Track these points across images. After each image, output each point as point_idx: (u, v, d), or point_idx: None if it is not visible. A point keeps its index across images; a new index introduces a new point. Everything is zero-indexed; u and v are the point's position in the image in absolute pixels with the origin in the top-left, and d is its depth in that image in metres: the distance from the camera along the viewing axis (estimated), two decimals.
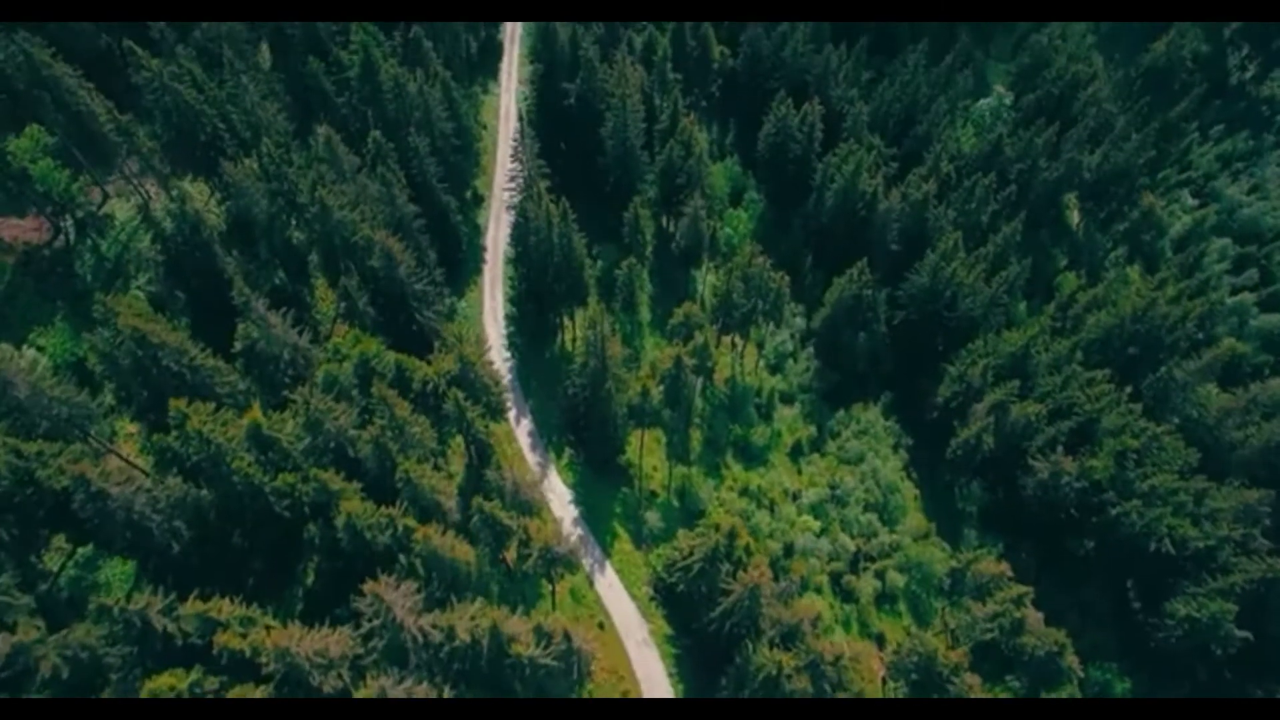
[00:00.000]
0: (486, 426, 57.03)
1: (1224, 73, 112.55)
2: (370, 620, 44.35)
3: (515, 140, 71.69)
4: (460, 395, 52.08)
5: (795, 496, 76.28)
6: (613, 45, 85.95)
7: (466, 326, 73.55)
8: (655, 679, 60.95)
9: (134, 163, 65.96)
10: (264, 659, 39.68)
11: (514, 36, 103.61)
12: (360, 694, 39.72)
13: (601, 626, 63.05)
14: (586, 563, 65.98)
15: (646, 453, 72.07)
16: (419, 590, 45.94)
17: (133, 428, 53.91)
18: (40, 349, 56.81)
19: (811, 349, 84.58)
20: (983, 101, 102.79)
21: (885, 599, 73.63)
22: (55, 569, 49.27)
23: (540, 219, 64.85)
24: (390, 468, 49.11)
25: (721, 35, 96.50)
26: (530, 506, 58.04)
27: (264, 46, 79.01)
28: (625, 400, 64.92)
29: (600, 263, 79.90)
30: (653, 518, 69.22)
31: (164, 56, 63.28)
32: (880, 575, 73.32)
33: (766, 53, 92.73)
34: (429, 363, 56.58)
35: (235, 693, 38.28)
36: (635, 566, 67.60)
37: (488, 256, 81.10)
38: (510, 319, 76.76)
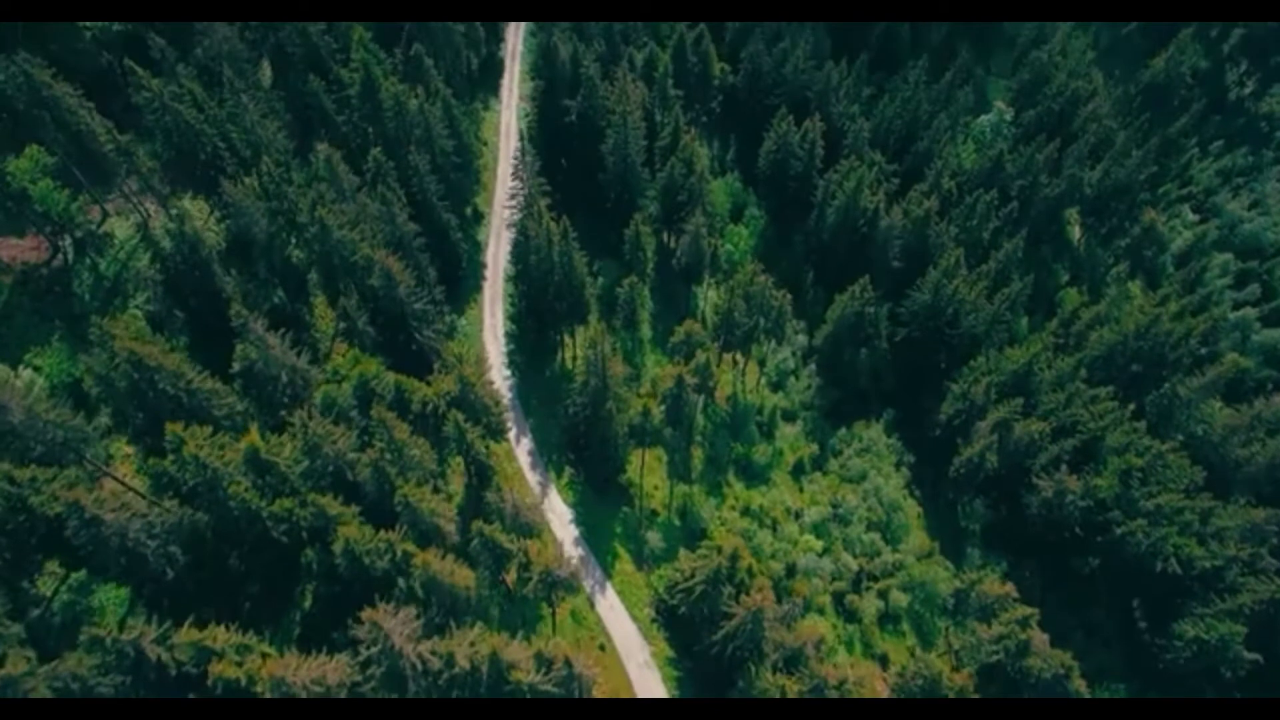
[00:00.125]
0: (486, 447, 56.57)
1: (1223, 88, 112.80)
2: (368, 647, 43.69)
3: (516, 158, 71.59)
4: (460, 417, 51.61)
5: (797, 515, 75.62)
6: (614, 62, 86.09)
7: (466, 345, 73.17)
8: None
9: (134, 181, 65.78)
10: (260, 688, 39.04)
11: (515, 53, 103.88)
12: None
13: (602, 649, 62.33)
14: (587, 583, 65.33)
15: (647, 471, 71.56)
16: (418, 616, 45.28)
17: (129, 449, 53.42)
18: (37, 369, 56.35)
19: (813, 366, 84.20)
20: (983, 117, 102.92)
21: (888, 619, 72.83)
22: (48, 594, 48.60)
23: (541, 237, 64.59)
24: (389, 491, 48.56)
25: (722, 52, 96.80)
26: (531, 528, 57.43)
27: (265, 64, 79.06)
28: (626, 420, 64.45)
29: (601, 280, 79.62)
30: (654, 538, 68.55)
31: (164, 76, 63.23)
32: (883, 595, 72.56)
33: (767, 69, 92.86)
34: (429, 383, 56.11)
35: None
36: (636, 587, 66.92)
37: (488, 274, 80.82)
38: (510, 336, 76.38)
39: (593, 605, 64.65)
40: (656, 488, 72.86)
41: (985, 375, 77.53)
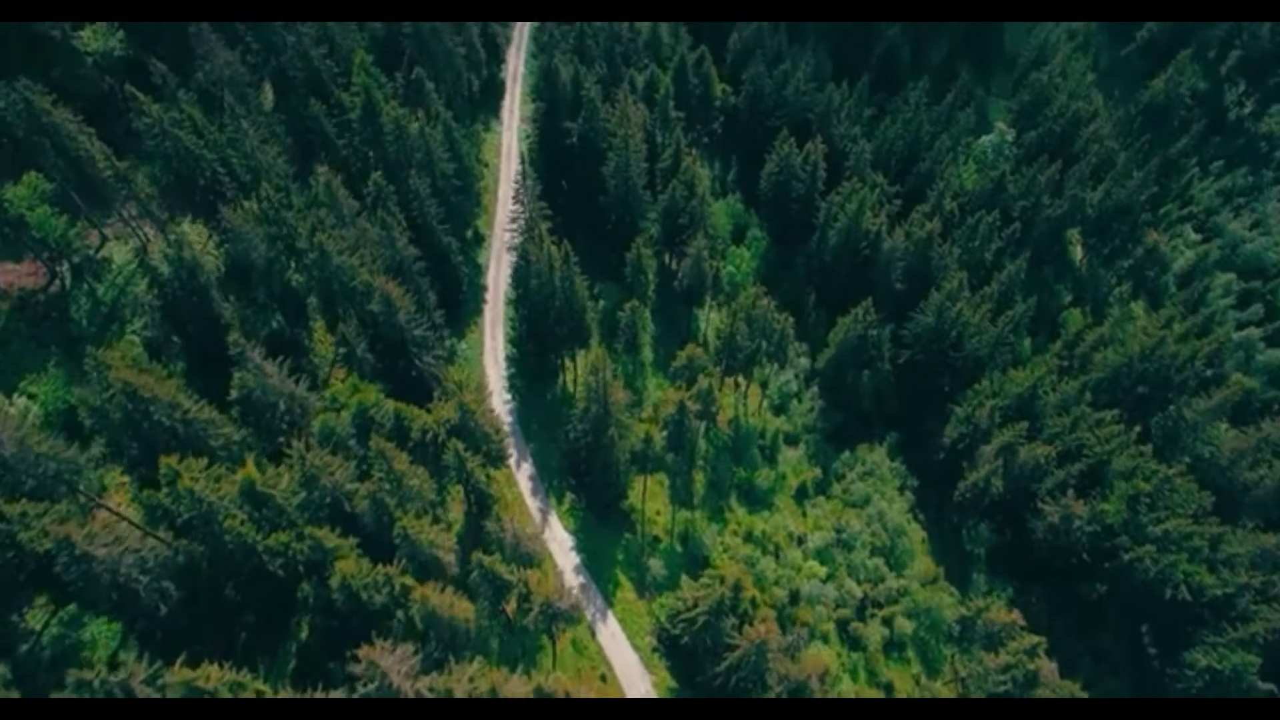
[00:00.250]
0: (487, 476, 55.80)
1: (1222, 109, 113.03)
2: (365, 684, 42.75)
3: (517, 182, 71.41)
4: (460, 446, 50.92)
5: (800, 541, 74.68)
6: (615, 84, 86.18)
7: (467, 369, 72.68)
8: None
9: (132, 207, 65.52)
10: None
11: (516, 74, 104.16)
12: None
13: (604, 679, 61.25)
14: (588, 612, 64.35)
15: (649, 497, 70.71)
16: (416, 652, 44.36)
17: (124, 477, 52.64)
18: (32, 397, 55.70)
19: (815, 389, 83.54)
20: (985, 138, 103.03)
21: (893, 646, 71.65)
22: (38, 628, 47.63)
23: (541, 261, 64.20)
24: (388, 523, 47.77)
25: (723, 73, 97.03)
26: (531, 558, 56.55)
27: (266, 87, 79.08)
28: (628, 446, 63.69)
29: (602, 303, 79.19)
30: (656, 565, 67.60)
31: (165, 101, 63.13)
32: (888, 622, 71.44)
33: (768, 91, 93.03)
34: (428, 410, 55.46)
35: None
36: (638, 616, 65.91)
37: (488, 296, 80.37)
38: (511, 360, 75.80)
39: (594, 634, 63.64)
40: (658, 513, 72.02)
41: (989, 398, 76.85)
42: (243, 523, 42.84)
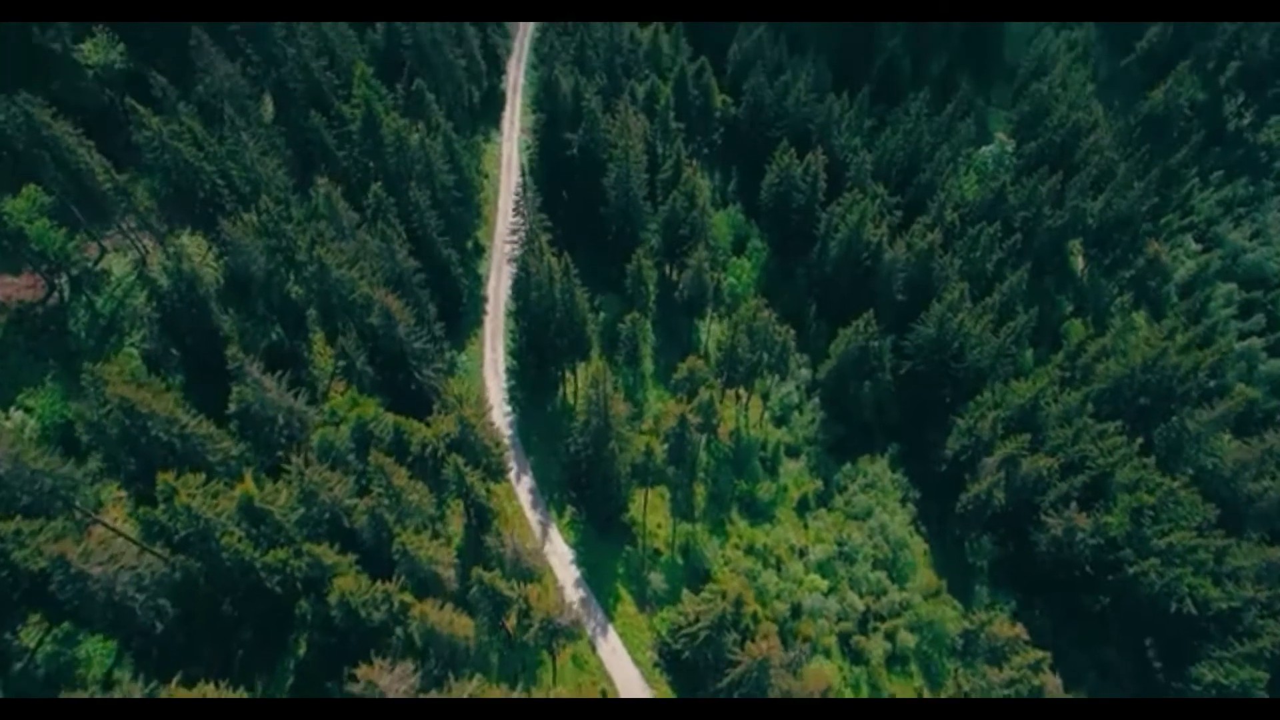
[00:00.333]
0: (487, 490, 55.40)
1: (1221, 120, 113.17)
2: None
3: (517, 194, 71.32)
4: (460, 461, 50.57)
5: (802, 554, 74.17)
6: (615, 95, 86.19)
7: (467, 382, 72.40)
8: None
9: (132, 219, 65.33)
10: None
11: (516, 85, 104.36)
12: None
13: (604, 694, 60.67)
14: (589, 626, 63.84)
15: (650, 509, 70.31)
16: (415, 670, 43.90)
17: (121, 492, 52.21)
18: (29, 410, 55.34)
19: (817, 400, 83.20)
20: (985, 149, 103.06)
21: (896, 660, 71.04)
22: (31, 645, 47.11)
23: (542, 274, 63.99)
24: (387, 539, 47.36)
25: (723, 84, 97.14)
26: (531, 572, 56.11)
27: (267, 99, 79.10)
28: (629, 459, 63.30)
29: (603, 314, 78.95)
30: (656, 579, 67.07)
31: (165, 113, 63.05)
32: (890, 636, 70.84)
33: (769, 102, 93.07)
34: (428, 424, 55.11)
35: None
36: (639, 630, 65.37)
37: (489, 307, 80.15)
38: (511, 372, 75.50)
39: (594, 648, 63.10)
40: (659, 526, 71.57)
41: (991, 410, 76.51)
42: (240, 540, 42.42)
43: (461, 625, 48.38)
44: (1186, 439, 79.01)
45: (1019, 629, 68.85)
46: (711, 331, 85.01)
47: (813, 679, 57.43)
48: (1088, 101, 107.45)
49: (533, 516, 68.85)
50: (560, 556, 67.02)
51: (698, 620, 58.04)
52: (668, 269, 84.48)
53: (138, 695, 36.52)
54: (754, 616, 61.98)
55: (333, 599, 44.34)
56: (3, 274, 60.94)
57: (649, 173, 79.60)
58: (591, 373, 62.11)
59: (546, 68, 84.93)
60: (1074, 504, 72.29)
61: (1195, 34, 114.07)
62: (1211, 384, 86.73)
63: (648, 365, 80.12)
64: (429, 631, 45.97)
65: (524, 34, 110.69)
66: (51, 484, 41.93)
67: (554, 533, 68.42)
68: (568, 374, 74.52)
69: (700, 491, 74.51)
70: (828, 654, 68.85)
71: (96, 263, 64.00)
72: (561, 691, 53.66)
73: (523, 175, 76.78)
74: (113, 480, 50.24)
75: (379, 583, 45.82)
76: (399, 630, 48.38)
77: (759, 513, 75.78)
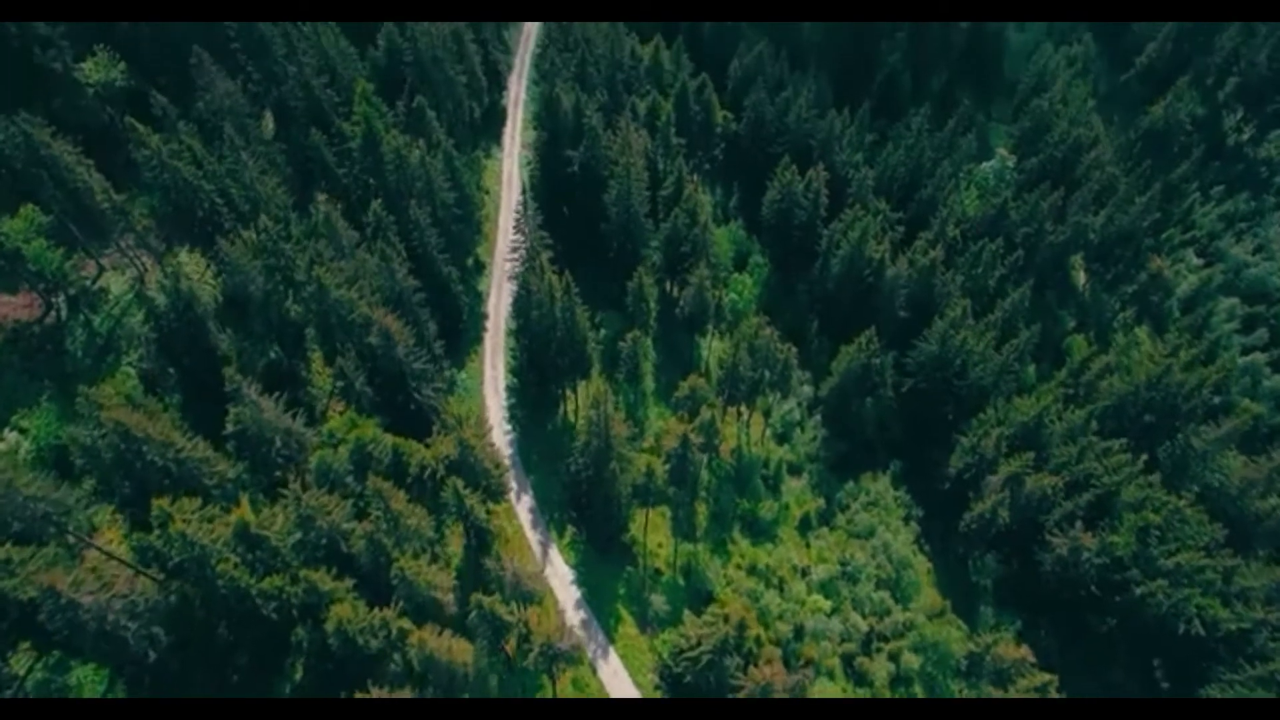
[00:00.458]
0: (486, 512, 54.73)
1: (1221, 135, 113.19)
2: None
3: (518, 212, 71.05)
4: (460, 484, 49.95)
5: (804, 573, 73.39)
6: (616, 111, 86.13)
7: (467, 400, 71.91)
8: None
9: (130, 237, 65.02)
10: None
11: (517, 100, 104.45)
12: None
13: None
14: (590, 648, 63.00)
15: (651, 529, 69.61)
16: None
17: (116, 515, 51.49)
18: (23, 431, 54.75)
19: (819, 417, 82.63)
20: (986, 164, 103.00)
21: (900, 682, 69.98)
22: (21, 672, 46.28)
23: (542, 292, 63.59)
24: (385, 563, 46.67)
25: (724, 100, 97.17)
26: (531, 595, 55.37)
27: (267, 115, 78.98)
28: (630, 480, 62.68)
29: (603, 332, 78.52)
30: (658, 600, 66.33)
31: (165, 131, 62.89)
32: (894, 657, 69.91)
33: (770, 118, 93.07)
34: (427, 445, 54.54)
35: None
36: (640, 652, 64.51)
37: (489, 325, 79.75)
38: (511, 390, 74.97)
39: (595, 671, 62.22)
40: (660, 545, 70.84)
41: (995, 428, 75.91)
42: (236, 566, 41.77)
43: (460, 651, 47.66)
44: (1192, 456, 78.28)
45: (1025, 650, 67.97)
46: (713, 348, 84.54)
47: None
48: (1088, 117, 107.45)
49: (533, 537, 68.15)
50: (561, 577, 66.29)
51: (699, 643, 57.20)
52: (669, 285, 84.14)
53: None
54: (757, 640, 61.26)
55: (330, 626, 43.65)
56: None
57: (650, 189, 79.37)
58: (593, 393, 61.59)
59: (548, 84, 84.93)
60: (1079, 523, 71.47)
61: (1194, 50, 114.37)
62: (1216, 400, 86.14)
63: (649, 383, 79.60)
64: (427, 658, 45.27)
65: (525, 49, 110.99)
66: (44, 509, 41.28)
67: (554, 553, 67.71)
68: (568, 392, 73.98)
69: (702, 510, 73.81)
70: (831, 676, 67.93)
71: (94, 281, 63.61)
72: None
73: (523, 192, 76.58)
74: (108, 503, 49.55)
75: (377, 609, 45.18)
76: (397, 657, 47.66)
77: (761, 532, 75.07)
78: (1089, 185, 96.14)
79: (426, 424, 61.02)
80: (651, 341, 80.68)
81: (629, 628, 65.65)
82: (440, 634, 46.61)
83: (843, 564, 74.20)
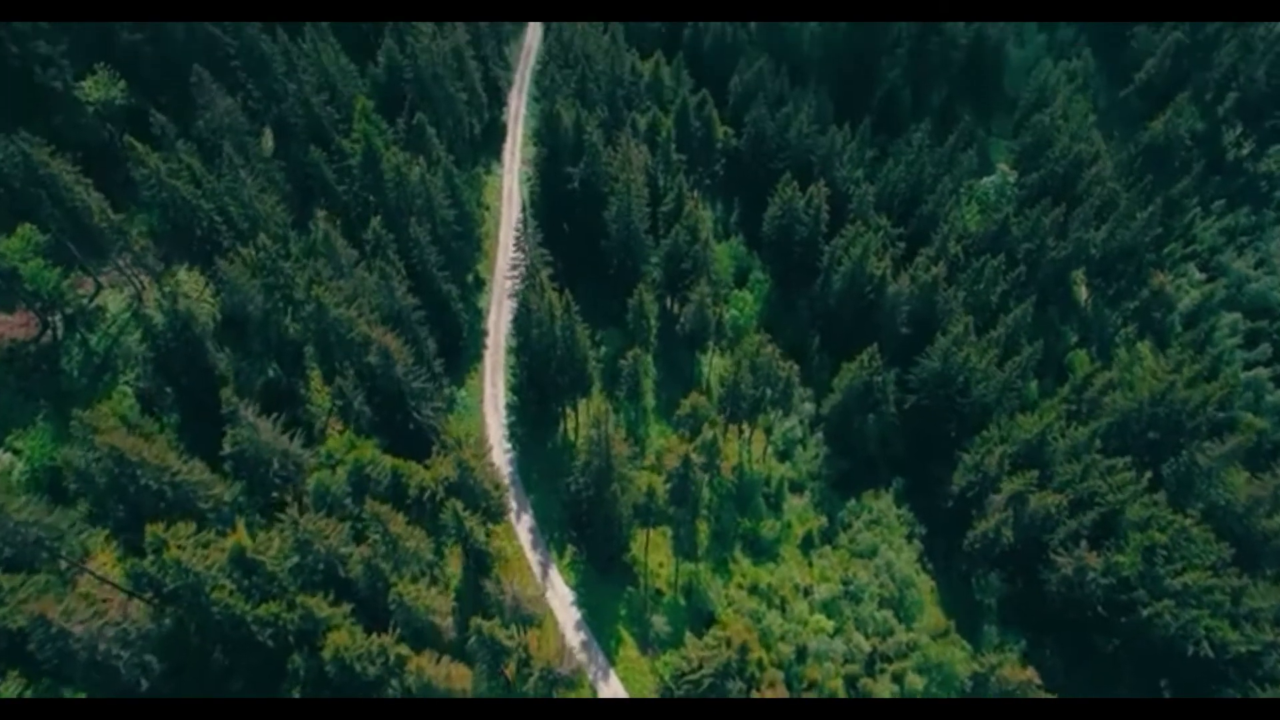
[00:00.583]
0: (486, 534, 54.11)
1: (1220, 150, 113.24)
2: None
3: (518, 229, 70.82)
4: (459, 506, 49.40)
5: (807, 593, 72.65)
6: (617, 127, 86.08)
7: (466, 419, 71.43)
8: None
9: (128, 256, 64.72)
10: None
11: (518, 115, 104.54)
12: None
13: None
14: (590, 670, 62.25)
15: (652, 548, 68.95)
16: None
17: (111, 541, 50.78)
18: (17, 452, 54.14)
19: (820, 435, 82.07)
20: (987, 180, 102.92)
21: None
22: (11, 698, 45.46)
23: (542, 311, 63.23)
24: (383, 589, 46.02)
25: (725, 116, 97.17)
26: (531, 618, 54.68)
27: (267, 132, 78.87)
28: (630, 500, 62.10)
29: (604, 349, 78.12)
30: (659, 621, 65.63)
31: (164, 150, 62.71)
32: (898, 678, 69.07)
33: (770, 133, 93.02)
34: (426, 466, 53.97)
35: None
36: (641, 674, 63.78)
37: (489, 342, 79.36)
38: (511, 408, 74.47)
39: (595, 694, 61.42)
40: (661, 565, 70.16)
41: (998, 446, 75.34)
42: (231, 593, 41.12)
43: (459, 677, 47.03)
44: (1197, 474, 77.63)
45: (1030, 672, 67.05)
46: (714, 365, 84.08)
47: None
48: (1089, 132, 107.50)
49: (533, 557, 67.51)
50: (561, 598, 65.63)
51: (701, 666, 56.54)
52: (669, 302, 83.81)
53: None
54: (759, 663, 60.41)
55: (327, 653, 42.97)
56: None
57: (650, 205, 79.19)
58: (593, 412, 61.10)
59: (548, 101, 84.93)
60: (1084, 542, 70.81)
61: (1193, 65, 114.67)
62: (1220, 416, 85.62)
63: (649, 400, 79.12)
64: (425, 685, 44.53)
65: (525, 65, 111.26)
66: (36, 534, 40.67)
67: (554, 573, 67.06)
68: (569, 410, 73.46)
69: (703, 529, 73.16)
70: (834, 698, 67.11)
71: (92, 299, 63.22)
72: None
73: (523, 210, 76.42)
74: (101, 527, 48.90)
75: (374, 635, 44.45)
76: (395, 683, 46.83)
77: (763, 551, 74.41)
78: (1090, 201, 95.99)
79: (426, 443, 60.49)
80: (652, 358, 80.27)
81: (630, 649, 64.93)
82: (438, 660, 46.00)
83: (845, 583, 73.45)
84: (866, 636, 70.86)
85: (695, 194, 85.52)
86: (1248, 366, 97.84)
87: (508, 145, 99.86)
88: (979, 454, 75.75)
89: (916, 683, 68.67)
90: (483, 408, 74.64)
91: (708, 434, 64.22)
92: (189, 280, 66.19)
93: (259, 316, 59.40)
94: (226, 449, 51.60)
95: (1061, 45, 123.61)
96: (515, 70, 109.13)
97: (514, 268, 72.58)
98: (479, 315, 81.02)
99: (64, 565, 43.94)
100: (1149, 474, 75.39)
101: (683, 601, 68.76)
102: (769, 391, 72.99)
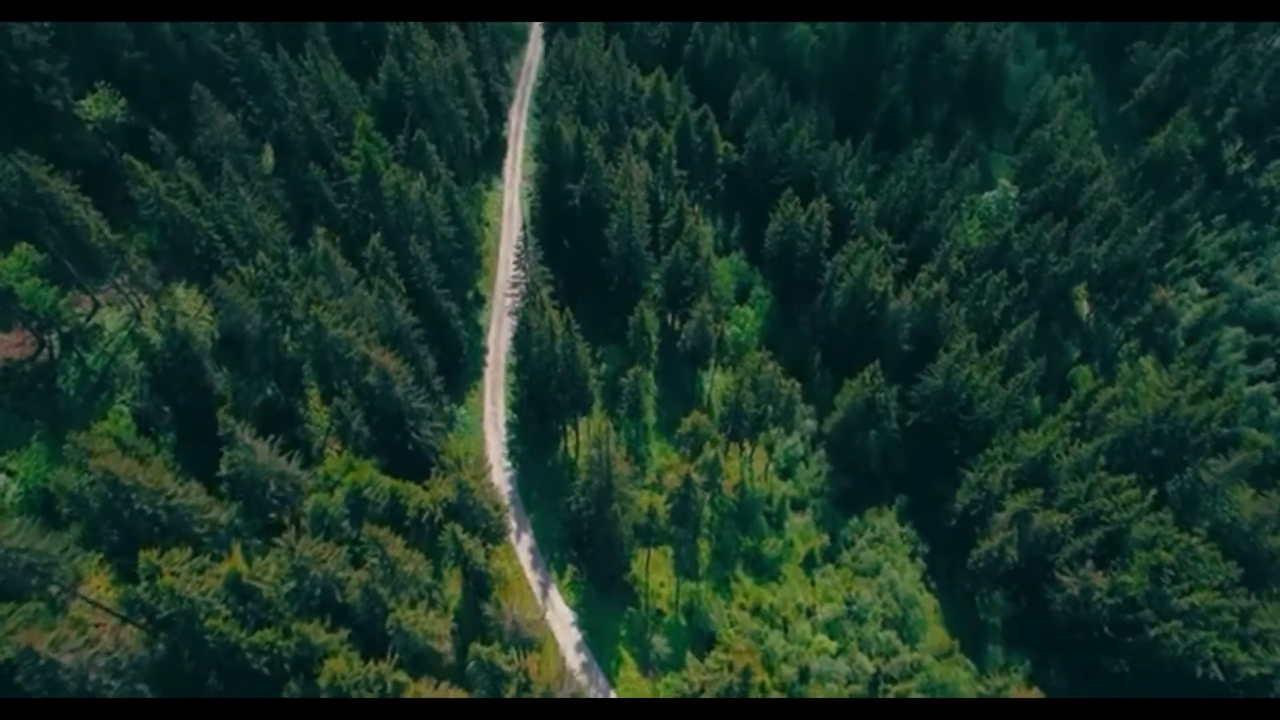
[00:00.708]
0: (485, 555, 53.42)
1: (1221, 165, 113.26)
2: None
3: (519, 247, 70.53)
4: (458, 529, 48.78)
5: (809, 613, 71.89)
6: (617, 143, 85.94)
7: (466, 437, 70.85)
8: None
9: (126, 275, 64.39)
10: None
11: (518, 131, 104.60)
12: None
13: None
14: (590, 693, 61.34)
15: (653, 567, 68.27)
16: None
17: (105, 566, 50.09)
18: (11, 473, 53.47)
19: (822, 452, 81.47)
20: (988, 194, 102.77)
21: None
22: None
23: (543, 329, 62.81)
24: (381, 614, 45.32)
25: (726, 131, 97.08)
26: (532, 641, 53.93)
27: (267, 149, 78.75)
28: (631, 520, 61.46)
29: (605, 366, 77.64)
30: (659, 642, 64.82)
31: (164, 168, 62.49)
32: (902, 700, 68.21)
33: (771, 149, 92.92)
34: (425, 488, 53.36)
35: None
36: (642, 696, 62.83)
37: (489, 359, 78.93)
38: (511, 426, 73.91)
39: None
40: (662, 584, 69.39)
41: (1001, 464, 74.74)
42: (225, 620, 40.43)
43: None
44: (1202, 491, 76.99)
45: (1035, 693, 66.44)
46: (715, 381, 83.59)
47: None
48: (1089, 148, 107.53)
49: (533, 577, 66.80)
50: (561, 618, 64.91)
51: (703, 690, 55.80)
52: (670, 319, 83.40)
53: None
54: (761, 686, 59.51)
55: (323, 681, 42.17)
56: None
57: (651, 221, 78.93)
58: (594, 432, 60.54)
59: (549, 117, 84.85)
60: (1089, 561, 70.12)
61: (1192, 81, 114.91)
62: (1224, 432, 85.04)
63: (650, 417, 78.58)
64: None
65: (526, 81, 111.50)
66: (28, 560, 40.01)
67: (554, 594, 66.38)
68: (569, 428, 72.90)
69: (704, 548, 72.42)
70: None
71: (89, 318, 62.78)
72: None
73: (524, 228, 76.21)
74: (95, 551, 48.22)
75: (371, 662, 43.66)
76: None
77: (765, 570, 73.66)
78: (1092, 216, 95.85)
79: (425, 463, 59.92)
80: (653, 375, 79.78)
81: (630, 670, 64.13)
82: (436, 686, 45.16)
83: (848, 603, 72.70)
84: (870, 657, 70.04)
85: (696, 209, 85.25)
86: (1251, 382, 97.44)
87: (508, 161, 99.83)
88: (982, 472, 75.15)
89: None
90: (483, 425, 74.09)
91: (709, 453, 63.64)
92: (187, 299, 65.79)
93: (257, 335, 58.96)
94: (223, 470, 51.12)
95: (1061, 61, 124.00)
96: (516, 86, 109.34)
97: (514, 285, 72.27)
98: (479, 332, 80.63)
99: (55, 591, 43.21)
100: (1153, 491, 74.75)
101: (684, 622, 67.97)
102: (771, 409, 72.49)
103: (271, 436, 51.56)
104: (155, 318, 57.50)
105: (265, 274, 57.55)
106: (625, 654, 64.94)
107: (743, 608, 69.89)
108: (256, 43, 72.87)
